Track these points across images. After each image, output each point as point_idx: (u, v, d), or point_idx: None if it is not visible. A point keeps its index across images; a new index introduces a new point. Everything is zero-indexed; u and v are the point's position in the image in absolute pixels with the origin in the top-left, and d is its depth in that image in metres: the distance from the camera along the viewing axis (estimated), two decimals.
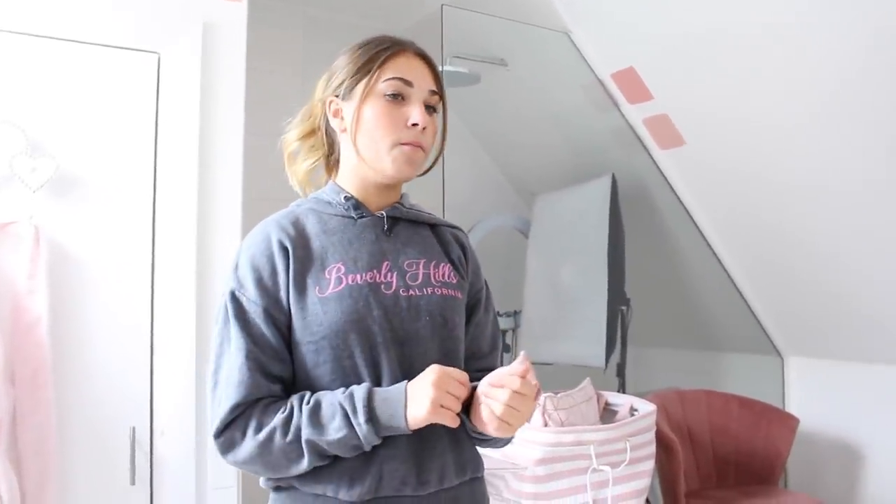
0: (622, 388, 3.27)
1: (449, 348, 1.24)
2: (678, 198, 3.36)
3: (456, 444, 1.23)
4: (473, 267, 1.36)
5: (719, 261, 3.41)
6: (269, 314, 1.17)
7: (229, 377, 1.14)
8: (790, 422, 3.19)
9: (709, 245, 3.41)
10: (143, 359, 1.98)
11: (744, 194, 3.10)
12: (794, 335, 3.42)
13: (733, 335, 3.59)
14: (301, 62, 3.30)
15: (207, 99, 2.08)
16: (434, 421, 1.11)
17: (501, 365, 1.25)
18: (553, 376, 3.07)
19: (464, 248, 1.35)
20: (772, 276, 3.29)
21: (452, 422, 1.12)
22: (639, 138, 3.31)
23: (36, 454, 1.78)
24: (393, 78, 1.23)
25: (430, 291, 1.24)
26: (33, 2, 1.90)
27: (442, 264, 1.29)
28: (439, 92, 1.28)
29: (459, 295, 1.28)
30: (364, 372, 1.17)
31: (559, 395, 2.55)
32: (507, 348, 3.60)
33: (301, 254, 1.21)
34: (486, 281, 1.38)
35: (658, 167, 3.34)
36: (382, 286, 1.21)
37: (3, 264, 1.79)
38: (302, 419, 1.12)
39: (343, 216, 1.26)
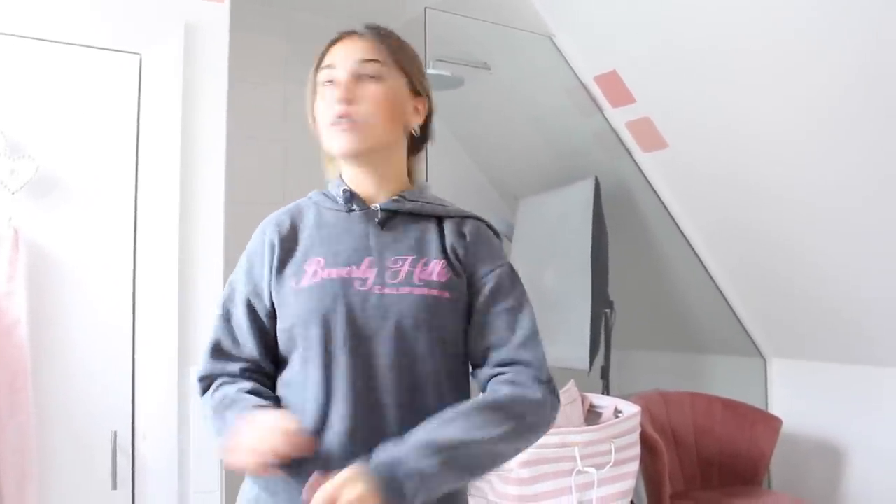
0: (606, 391, 3.27)
1: (418, 352, 1.19)
2: (661, 200, 3.38)
3: None
4: (476, 254, 1.27)
5: (702, 263, 3.42)
6: (248, 302, 1.26)
7: (209, 340, 1.28)
8: (773, 423, 3.21)
9: (692, 248, 3.43)
10: (124, 361, 1.96)
11: (727, 197, 3.12)
12: (777, 337, 3.44)
13: (716, 337, 3.61)
14: (284, 65, 3.30)
15: (189, 100, 2.06)
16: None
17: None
18: None
19: (465, 238, 1.27)
20: (754, 279, 3.31)
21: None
22: (622, 141, 3.32)
23: (15, 458, 1.76)
24: (322, 68, 1.28)
25: (407, 291, 1.21)
26: (12, 1, 1.88)
27: (433, 262, 1.24)
28: (377, 59, 1.26)
29: (447, 294, 1.22)
30: (320, 365, 1.18)
31: None
32: None
33: (287, 246, 1.26)
34: (503, 267, 1.28)
35: (641, 170, 3.35)
36: (357, 282, 1.21)
37: None
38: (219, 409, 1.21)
39: (339, 210, 1.28)
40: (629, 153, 3.34)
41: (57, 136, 1.90)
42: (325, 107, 1.25)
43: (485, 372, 1.24)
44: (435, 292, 1.22)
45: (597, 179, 3.25)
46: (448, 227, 1.28)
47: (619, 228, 3.38)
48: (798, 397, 3.42)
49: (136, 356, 1.97)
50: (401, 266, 1.24)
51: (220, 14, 2.13)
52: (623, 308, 3.35)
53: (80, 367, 1.90)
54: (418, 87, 1.30)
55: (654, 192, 3.37)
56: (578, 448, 2.37)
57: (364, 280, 1.22)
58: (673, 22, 2.74)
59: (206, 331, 1.29)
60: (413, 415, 1.17)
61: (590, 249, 3.18)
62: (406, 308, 1.20)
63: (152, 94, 2.02)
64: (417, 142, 1.35)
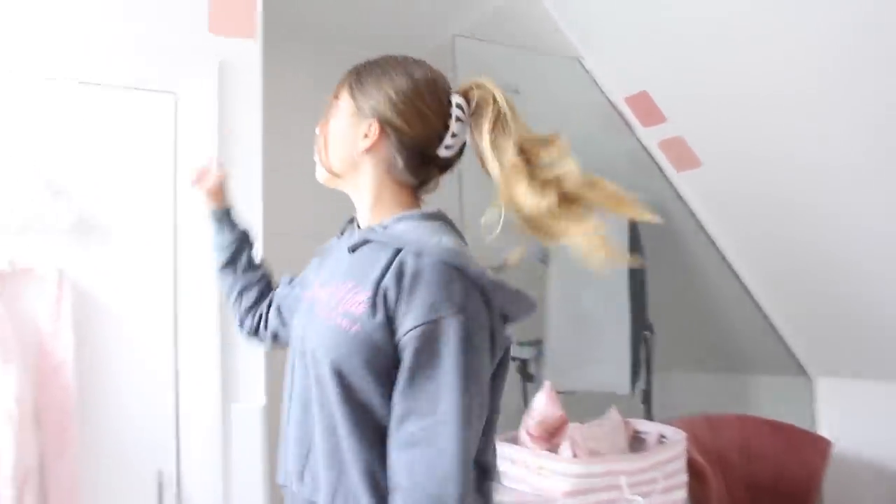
0: (649, 415, 3.21)
1: (320, 376, 1.18)
2: (697, 219, 3.34)
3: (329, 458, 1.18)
4: (408, 302, 1.13)
5: (742, 282, 3.37)
6: (292, 280, 1.52)
7: None
8: (823, 445, 3.13)
9: (730, 266, 3.37)
10: (168, 401, 1.97)
11: (765, 214, 3.07)
12: (823, 355, 3.36)
13: (760, 357, 3.54)
14: (313, 96, 3.31)
15: (225, 136, 2.08)
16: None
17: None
18: (579, 405, 3.02)
19: (402, 279, 1.15)
20: (797, 296, 3.25)
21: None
22: (654, 161, 3.30)
23: (63, 496, 1.76)
24: None
25: (329, 315, 1.20)
26: (50, 45, 1.91)
27: (363, 291, 1.17)
28: (335, 95, 1.31)
29: (355, 327, 1.15)
30: (286, 374, 1.31)
31: (587, 425, 2.51)
32: (530, 378, 3.56)
33: (314, 266, 1.43)
34: (431, 325, 1.11)
35: (675, 189, 3.32)
36: (316, 304, 1.27)
37: (28, 308, 1.79)
38: None
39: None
40: (662, 173, 3.30)
41: (98, 177, 1.93)
42: None
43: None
44: (344, 322, 1.17)
45: None
46: (397, 261, 1.17)
47: (656, 249, 3.33)
48: (848, 417, 3.33)
49: (179, 395, 1.97)
50: (338, 291, 1.22)
51: (251, 50, 2.15)
52: (663, 330, 3.30)
53: (124, 407, 1.91)
54: (362, 109, 1.27)
55: (690, 211, 3.33)
56: (625, 476, 2.32)
57: (319, 302, 1.26)
58: (703, 40, 2.71)
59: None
60: (304, 434, 1.22)
61: (627, 271, 3.14)
62: (321, 332, 1.20)
63: (188, 132, 2.04)
64: (407, 168, 1.28)
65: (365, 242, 1.24)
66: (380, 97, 1.25)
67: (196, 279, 1.98)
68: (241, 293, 1.59)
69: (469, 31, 3.23)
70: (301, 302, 1.36)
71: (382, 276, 1.17)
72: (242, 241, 1.62)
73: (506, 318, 1.24)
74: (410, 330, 1.12)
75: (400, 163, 1.27)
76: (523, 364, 3.62)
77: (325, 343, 1.16)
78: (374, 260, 1.20)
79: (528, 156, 1.27)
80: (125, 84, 1.97)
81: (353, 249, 1.25)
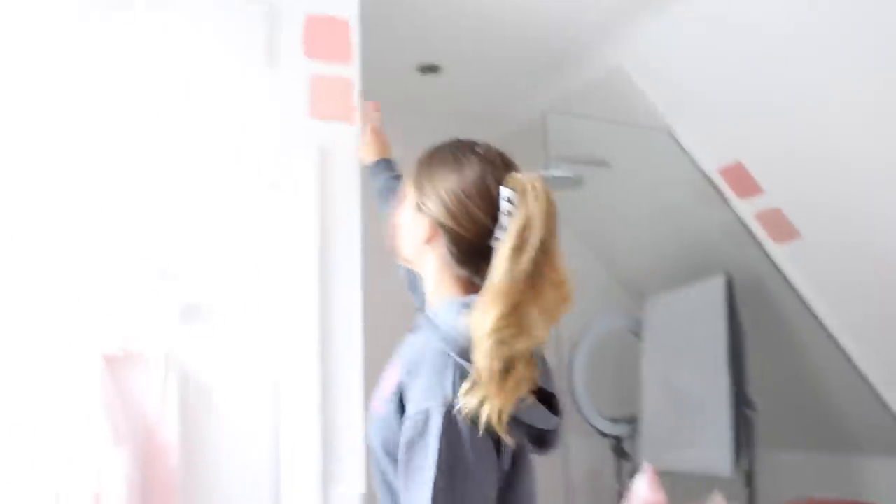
0: (753, 499, 3.06)
1: (374, 451, 1.25)
2: (798, 293, 3.21)
3: None
4: (410, 389, 1.18)
5: (849, 357, 3.21)
6: None
7: None
8: None
9: (835, 340, 3.22)
10: (269, 484, 1.95)
11: (869, 284, 2.94)
12: None
13: (871, 437, 3.34)
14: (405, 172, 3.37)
15: (326, 221, 2.10)
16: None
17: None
18: (677, 485, 2.91)
19: (409, 367, 1.20)
20: None
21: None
22: (751, 233, 3.21)
23: None
24: None
25: (373, 398, 1.29)
26: (159, 136, 1.99)
27: (395, 375, 1.23)
28: (406, 186, 1.38)
29: (382, 410, 1.22)
30: None
31: None
32: (626, 456, 3.45)
33: None
34: (417, 416, 1.13)
35: (774, 262, 3.21)
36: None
37: (136, 392, 1.82)
38: None
39: None
40: (760, 245, 3.21)
41: (204, 264, 1.97)
42: None
43: None
44: (377, 405, 1.25)
45: (728, 274, 3.14)
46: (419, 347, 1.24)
47: (755, 323, 3.23)
48: None
49: (280, 478, 1.96)
50: (385, 374, 1.30)
51: (351, 134, 2.18)
52: (765, 407, 3.16)
53: (226, 489, 1.91)
54: (421, 205, 1.32)
55: (790, 284, 3.21)
56: None
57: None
58: (798, 108, 2.66)
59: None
60: None
61: (726, 347, 3.04)
62: (370, 413, 1.29)
63: (289, 215, 2.07)
64: (459, 262, 1.30)
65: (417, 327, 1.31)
66: (434, 197, 1.31)
67: (298, 363, 1.98)
68: None
69: (558, 105, 3.25)
70: None
71: (410, 360, 1.22)
72: (389, 183, 1.89)
73: (524, 425, 1.19)
74: (406, 419, 1.15)
75: (454, 257, 1.30)
76: (617, 442, 3.52)
77: (369, 426, 1.23)
78: (412, 346, 1.26)
79: (540, 274, 1.20)
80: (230, 172, 2.03)
81: (412, 333, 1.32)
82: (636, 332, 3.55)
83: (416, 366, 1.19)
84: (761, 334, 3.28)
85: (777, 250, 3.18)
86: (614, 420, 3.52)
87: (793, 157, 2.82)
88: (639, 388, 3.40)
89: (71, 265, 1.85)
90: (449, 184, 1.30)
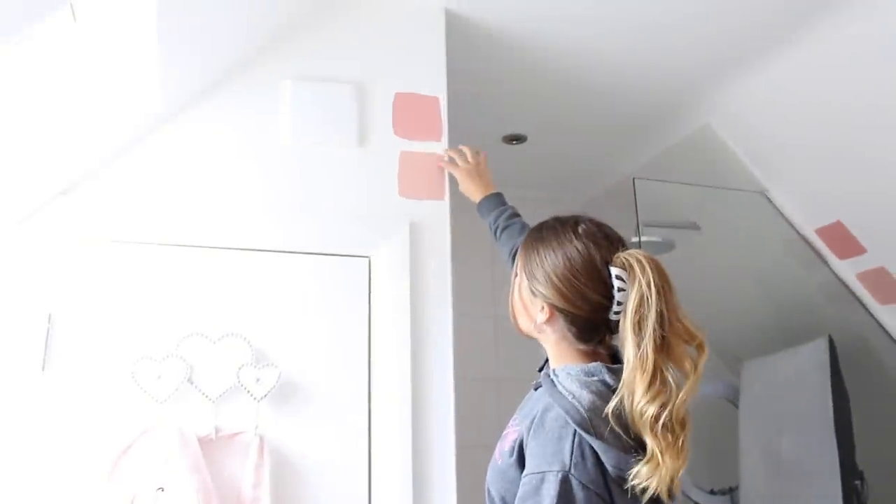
0: None
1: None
2: None
3: None
4: (529, 448, 1.29)
5: None
6: None
7: None
8: None
9: None
10: None
11: None
12: None
13: None
14: (491, 241, 3.37)
15: (417, 291, 2.10)
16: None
17: None
18: None
19: (532, 423, 1.32)
20: None
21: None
22: (854, 294, 3.08)
23: None
24: None
25: (497, 449, 1.39)
26: (252, 220, 2.04)
27: (516, 430, 1.35)
28: (515, 269, 1.48)
29: (501, 461, 1.34)
30: None
31: None
32: None
33: None
34: (534, 476, 1.23)
35: (880, 323, 3.07)
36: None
37: (230, 473, 1.83)
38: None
39: None
40: (864, 306, 3.08)
41: (296, 343, 1.98)
42: None
43: None
44: (497, 455, 1.38)
45: (830, 337, 3.00)
46: (541, 408, 1.34)
47: (861, 389, 3.07)
48: None
49: None
50: (508, 428, 1.41)
51: (441, 210, 2.19)
52: (876, 479, 2.98)
53: None
54: (536, 291, 1.39)
55: None
56: None
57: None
58: None
59: None
60: None
61: (832, 414, 2.90)
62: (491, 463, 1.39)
63: (382, 291, 2.08)
64: (579, 338, 1.39)
65: (539, 386, 1.42)
66: (545, 282, 1.38)
67: (390, 441, 1.96)
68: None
69: (647, 167, 3.21)
70: None
71: (532, 420, 1.32)
72: (498, 222, 2.06)
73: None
74: (524, 476, 1.24)
75: (573, 334, 1.38)
76: None
77: (490, 471, 1.32)
78: (535, 404, 1.36)
79: (667, 337, 1.29)
80: (324, 251, 2.05)
81: (535, 388, 1.44)
82: (732, 399, 3.42)
83: (538, 426, 1.28)
84: (867, 400, 3.11)
85: (882, 311, 3.05)
86: (711, 492, 3.38)
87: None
88: (737, 457, 3.26)
89: (166, 344, 1.88)
90: (558, 268, 1.36)
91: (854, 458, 2.97)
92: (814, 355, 3.03)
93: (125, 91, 1.89)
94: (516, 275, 1.47)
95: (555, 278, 1.36)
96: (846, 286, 3.08)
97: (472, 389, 2.05)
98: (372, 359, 2.02)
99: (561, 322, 1.37)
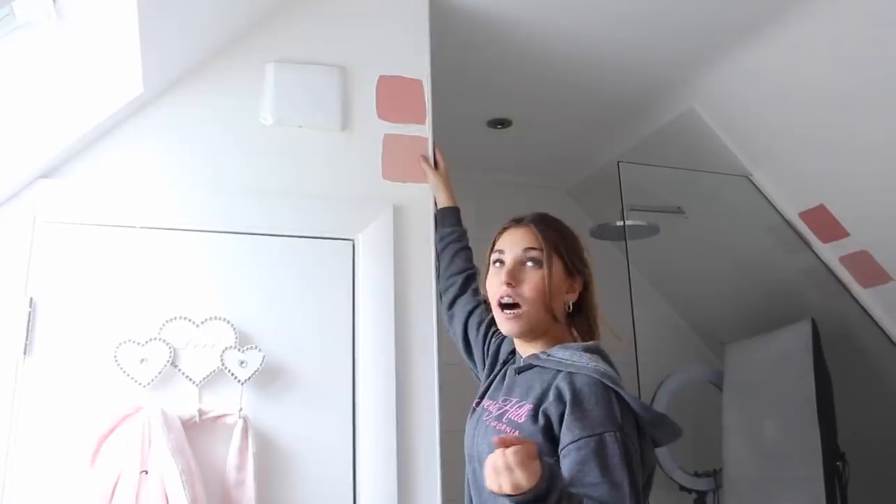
0: None
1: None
2: (889, 338, 3.09)
3: None
4: (568, 419, 1.36)
5: None
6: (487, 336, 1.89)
7: None
8: None
9: None
10: None
11: None
12: None
13: None
14: (475, 227, 3.38)
15: (400, 274, 2.11)
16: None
17: None
18: None
19: (562, 399, 1.39)
20: None
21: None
22: (836, 278, 3.11)
23: None
24: (492, 251, 1.61)
25: (494, 424, 1.50)
26: (236, 203, 2.03)
27: (526, 405, 1.45)
28: (538, 247, 1.54)
29: (516, 434, 1.41)
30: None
31: None
32: None
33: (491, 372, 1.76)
34: (590, 438, 1.31)
35: (862, 306, 3.10)
36: (485, 413, 1.58)
37: (214, 456, 1.83)
38: None
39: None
40: (847, 290, 3.10)
41: (279, 325, 1.98)
42: (495, 283, 1.56)
43: None
44: (507, 429, 1.45)
45: (813, 321, 3.03)
46: (556, 382, 1.43)
47: (843, 372, 3.10)
48: None
49: None
50: (505, 406, 1.52)
51: (425, 193, 2.20)
52: (855, 460, 3.02)
53: None
54: (572, 269, 1.56)
55: (881, 329, 3.09)
56: None
57: (488, 411, 1.57)
58: (883, 146, 2.58)
59: None
60: None
61: (815, 397, 2.92)
62: (488, 437, 1.45)
63: (365, 273, 2.08)
64: (576, 308, 1.59)
65: (530, 367, 1.53)
66: (577, 258, 1.63)
67: (374, 423, 1.96)
68: (444, 291, 2.05)
69: (632, 152, 3.22)
70: (473, 410, 1.67)
71: (543, 393, 1.43)
72: (448, 241, 2.08)
73: (653, 442, 1.42)
74: (573, 441, 1.31)
75: (575, 308, 1.61)
76: (700, 497, 3.41)
77: (491, 446, 1.29)
78: (537, 380, 1.47)
79: None
80: (309, 234, 2.05)
81: (519, 371, 1.56)
82: (716, 382, 3.45)
83: (570, 395, 1.37)
84: (849, 383, 3.14)
85: (864, 294, 3.07)
86: (696, 474, 3.42)
87: (880, 197, 2.72)
88: (720, 440, 3.29)
89: (149, 328, 1.87)
90: (581, 250, 1.61)
91: (836, 440, 3.00)
92: (797, 338, 3.06)
93: (107, 73, 1.88)
94: (536, 264, 1.53)
95: (585, 255, 1.60)
96: (829, 269, 3.10)
97: (456, 375, 2.06)
98: (356, 341, 2.02)
99: (571, 300, 1.58)
